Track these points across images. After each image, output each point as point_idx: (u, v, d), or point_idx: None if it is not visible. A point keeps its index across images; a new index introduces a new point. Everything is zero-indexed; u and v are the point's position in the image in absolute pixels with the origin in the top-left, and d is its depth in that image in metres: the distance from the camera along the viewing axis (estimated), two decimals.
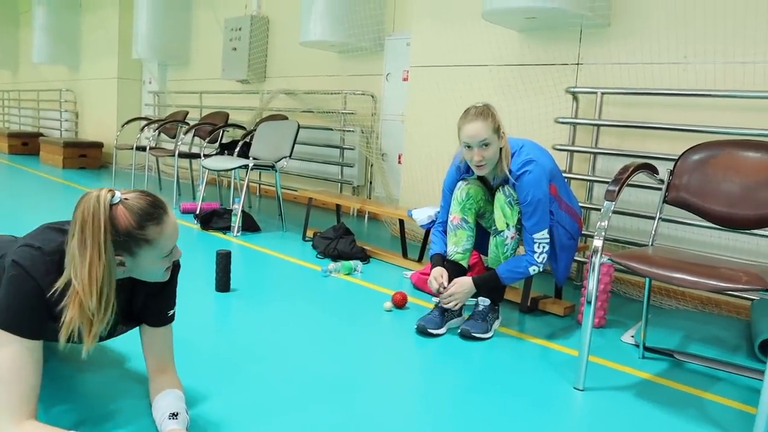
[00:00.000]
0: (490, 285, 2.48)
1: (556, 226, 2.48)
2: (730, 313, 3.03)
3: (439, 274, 2.51)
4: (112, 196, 1.38)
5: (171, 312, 1.65)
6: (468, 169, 2.57)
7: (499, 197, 2.42)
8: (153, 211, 1.41)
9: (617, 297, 3.26)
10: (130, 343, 1.49)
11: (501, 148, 2.39)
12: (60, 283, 1.35)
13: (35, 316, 1.37)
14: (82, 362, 1.91)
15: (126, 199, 1.40)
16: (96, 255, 1.33)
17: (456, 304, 2.47)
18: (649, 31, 3.27)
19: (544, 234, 2.39)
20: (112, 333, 1.64)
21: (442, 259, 2.61)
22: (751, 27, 2.93)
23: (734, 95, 2.93)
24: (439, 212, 2.73)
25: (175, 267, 1.61)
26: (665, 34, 3.21)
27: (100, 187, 1.40)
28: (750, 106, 2.94)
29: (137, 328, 1.66)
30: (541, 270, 2.45)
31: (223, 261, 2.82)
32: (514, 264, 2.43)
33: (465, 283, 2.45)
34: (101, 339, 1.59)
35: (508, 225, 2.41)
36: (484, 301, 2.51)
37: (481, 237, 2.66)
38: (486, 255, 2.64)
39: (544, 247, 2.40)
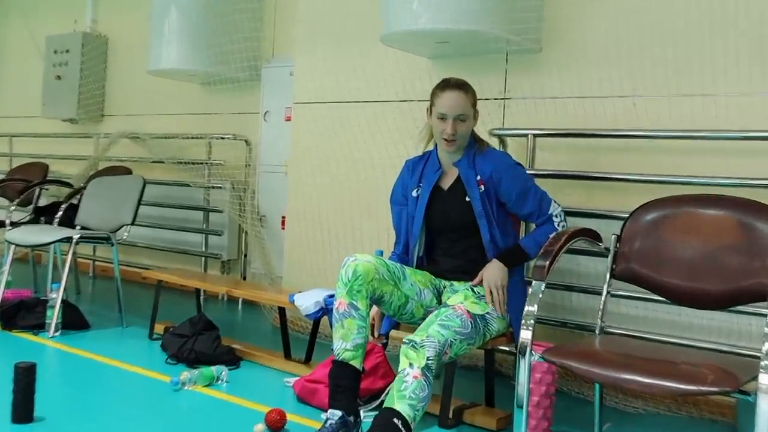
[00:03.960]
0: (519, 260, 2.75)
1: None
2: (711, 414, 3.06)
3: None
4: None
5: None
6: (417, 163, 2.97)
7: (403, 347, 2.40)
8: None
9: (566, 397, 3.28)
10: None
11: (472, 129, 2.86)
12: None
13: None
14: None
15: None
16: None
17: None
18: (588, 58, 3.44)
19: (555, 205, 2.82)
20: None
21: None
22: (707, 51, 3.13)
23: (695, 136, 3.10)
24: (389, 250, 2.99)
25: None
26: (607, 62, 3.38)
27: None
28: (715, 148, 3.10)
29: None
30: None
31: (24, 379, 2.67)
32: (539, 234, 2.74)
33: (497, 268, 2.65)
34: None
35: (411, 365, 2.35)
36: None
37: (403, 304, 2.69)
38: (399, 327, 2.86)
39: (562, 216, 2.82)
